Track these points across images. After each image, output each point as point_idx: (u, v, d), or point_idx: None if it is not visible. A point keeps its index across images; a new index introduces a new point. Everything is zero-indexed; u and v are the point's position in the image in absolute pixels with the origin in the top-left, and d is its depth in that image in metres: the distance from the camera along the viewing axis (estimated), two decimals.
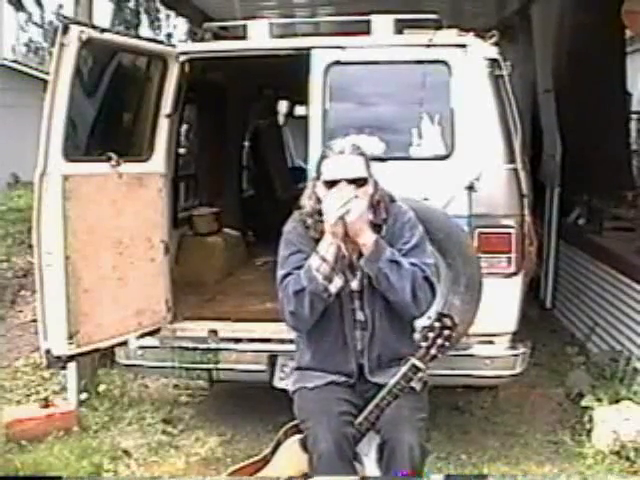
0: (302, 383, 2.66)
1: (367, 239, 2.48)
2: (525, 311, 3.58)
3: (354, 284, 2.58)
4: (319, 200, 2.56)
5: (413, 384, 2.46)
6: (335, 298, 2.54)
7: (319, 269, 2.46)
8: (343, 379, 2.61)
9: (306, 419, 2.53)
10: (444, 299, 3.34)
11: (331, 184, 2.51)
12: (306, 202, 2.65)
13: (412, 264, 2.52)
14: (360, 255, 2.53)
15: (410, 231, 2.61)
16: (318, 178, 2.58)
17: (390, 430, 2.43)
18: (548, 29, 5.77)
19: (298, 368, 2.75)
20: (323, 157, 2.59)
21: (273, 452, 2.64)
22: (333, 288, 2.49)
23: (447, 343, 2.40)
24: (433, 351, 2.40)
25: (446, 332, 2.39)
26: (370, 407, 2.45)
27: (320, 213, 2.54)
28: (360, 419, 2.46)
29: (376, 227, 2.55)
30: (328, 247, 2.48)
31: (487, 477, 3.36)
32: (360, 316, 2.59)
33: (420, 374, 2.45)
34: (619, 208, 5.47)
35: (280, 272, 2.59)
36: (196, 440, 3.84)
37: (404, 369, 2.42)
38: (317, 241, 2.55)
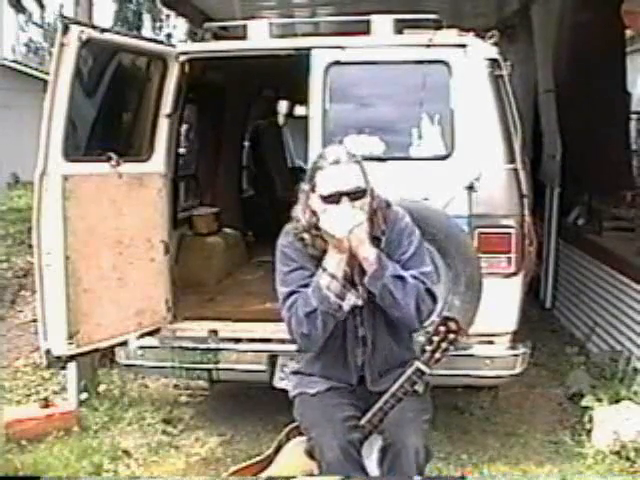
0: (303, 388, 2.63)
1: (368, 252, 2.39)
2: (525, 311, 3.58)
3: (354, 300, 2.49)
4: (314, 213, 2.45)
5: (417, 387, 2.44)
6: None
7: (330, 287, 2.37)
8: (344, 385, 2.59)
9: (310, 428, 2.49)
10: (444, 299, 3.34)
11: (329, 198, 2.39)
12: (300, 215, 2.51)
13: (413, 277, 2.44)
14: (361, 270, 2.43)
15: (408, 238, 2.52)
16: (312, 190, 2.44)
17: (395, 433, 2.41)
18: (548, 29, 5.76)
19: (298, 372, 2.72)
20: (317, 168, 2.43)
21: (276, 452, 2.63)
22: (346, 306, 2.42)
23: (451, 347, 2.39)
24: (438, 355, 2.38)
25: (451, 336, 2.37)
26: (374, 410, 2.42)
27: (317, 227, 2.43)
28: (363, 422, 2.44)
29: (375, 239, 2.45)
30: (337, 264, 2.39)
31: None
32: (361, 332, 2.53)
33: (424, 377, 2.44)
34: (619, 208, 5.47)
35: (283, 289, 2.49)
36: (196, 440, 3.84)
37: (408, 372, 2.40)
38: (316, 259, 2.45)
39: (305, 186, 2.50)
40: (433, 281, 2.56)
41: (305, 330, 2.40)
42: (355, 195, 2.39)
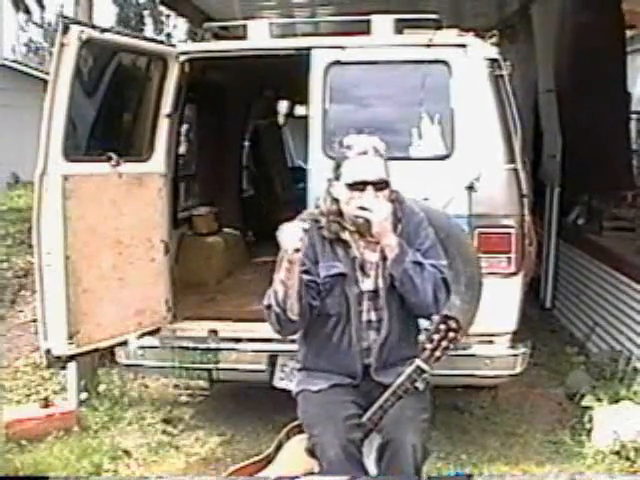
0: (305, 385, 2.64)
1: (391, 240, 2.47)
2: (525, 311, 3.58)
3: (366, 285, 2.55)
4: (336, 201, 2.53)
5: (417, 385, 2.46)
6: (343, 300, 2.53)
7: (277, 291, 2.43)
8: (347, 380, 2.59)
9: (312, 425, 2.51)
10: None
11: (354, 186, 2.47)
12: (321, 203, 2.61)
13: (431, 265, 2.52)
14: (382, 257, 2.51)
15: (424, 231, 2.62)
16: (337, 179, 2.53)
17: (393, 431, 2.42)
18: (549, 29, 5.76)
19: (301, 369, 2.73)
20: (344, 158, 2.52)
21: (276, 451, 2.63)
22: (290, 314, 2.43)
23: (451, 345, 2.41)
24: (438, 353, 2.39)
25: (451, 334, 2.39)
26: (374, 408, 2.44)
27: (334, 214, 2.53)
28: (363, 419, 2.45)
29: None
30: (282, 272, 2.38)
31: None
32: (372, 316, 2.57)
33: (424, 375, 2.44)
34: (619, 208, 5.47)
35: (274, 276, 2.54)
36: (196, 440, 3.85)
37: (409, 370, 2.41)
38: (328, 240, 2.54)
39: (330, 175, 2.59)
40: (447, 274, 2.60)
41: (268, 319, 2.51)
42: (379, 185, 2.49)
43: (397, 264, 2.47)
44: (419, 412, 2.50)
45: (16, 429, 3.73)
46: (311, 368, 2.66)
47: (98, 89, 3.62)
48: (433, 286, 2.48)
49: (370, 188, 2.47)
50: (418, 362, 2.41)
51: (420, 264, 2.48)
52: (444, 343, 2.39)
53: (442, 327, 2.39)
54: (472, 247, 3.34)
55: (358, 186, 2.47)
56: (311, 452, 2.49)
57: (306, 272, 2.50)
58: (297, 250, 2.34)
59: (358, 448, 2.43)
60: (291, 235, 2.36)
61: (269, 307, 2.48)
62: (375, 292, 2.56)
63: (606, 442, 3.51)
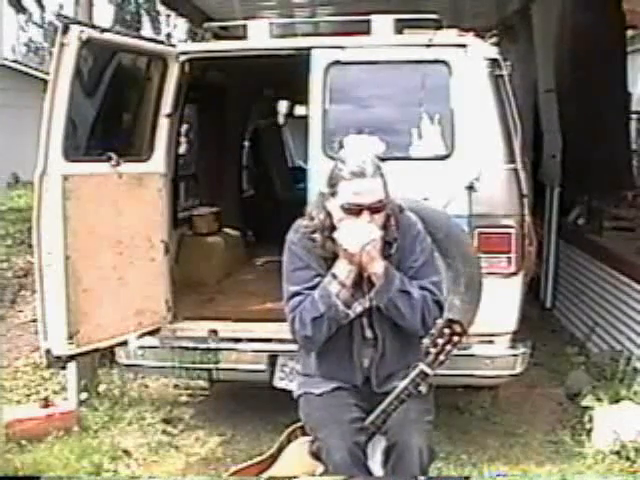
0: (308, 388, 2.62)
1: (378, 268, 2.40)
2: (525, 311, 3.58)
3: (363, 302, 2.50)
4: (329, 215, 2.46)
5: (420, 388, 2.45)
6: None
7: (339, 295, 2.39)
8: (349, 385, 2.58)
9: (317, 428, 2.50)
10: (444, 300, 3.34)
11: (349, 210, 2.39)
12: (315, 214, 2.52)
13: (422, 288, 2.47)
14: (370, 279, 2.45)
15: (420, 245, 2.55)
16: (332, 195, 2.43)
17: (398, 433, 2.42)
18: (549, 29, 5.77)
19: (303, 374, 2.72)
20: (341, 177, 2.40)
21: (278, 453, 2.63)
22: (352, 313, 2.44)
23: (455, 349, 2.40)
24: (442, 357, 2.38)
25: (455, 338, 2.37)
26: (377, 411, 2.43)
27: (330, 229, 2.45)
28: (366, 423, 2.44)
29: (387, 244, 2.47)
30: (348, 273, 2.41)
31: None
32: (369, 334, 2.54)
33: (428, 379, 2.44)
34: (619, 208, 5.47)
35: (289, 288, 2.50)
36: (196, 440, 3.85)
37: (412, 375, 2.40)
38: (324, 259, 2.47)
39: (324, 189, 2.49)
40: (441, 290, 2.58)
41: (309, 333, 2.43)
42: (376, 209, 2.40)
43: (381, 294, 2.42)
44: (423, 414, 2.50)
45: (16, 429, 3.72)
46: (312, 374, 2.65)
47: (98, 89, 3.62)
48: (421, 311, 2.44)
49: (366, 213, 2.38)
50: (422, 366, 2.39)
51: (408, 292, 2.43)
52: (448, 347, 2.37)
53: (446, 331, 2.38)
54: (472, 247, 3.34)
55: (353, 210, 2.38)
56: (316, 455, 2.48)
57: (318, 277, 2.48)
58: (365, 247, 2.33)
59: (363, 451, 2.42)
60: (356, 235, 2.34)
61: (317, 318, 2.40)
62: (370, 310, 2.52)
63: (606, 442, 3.51)
